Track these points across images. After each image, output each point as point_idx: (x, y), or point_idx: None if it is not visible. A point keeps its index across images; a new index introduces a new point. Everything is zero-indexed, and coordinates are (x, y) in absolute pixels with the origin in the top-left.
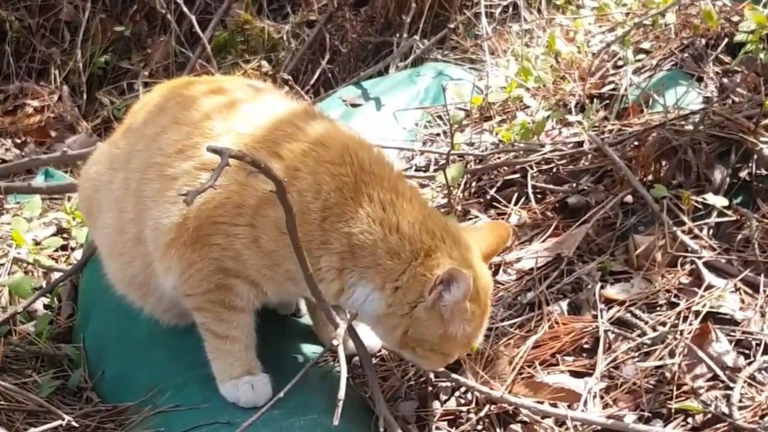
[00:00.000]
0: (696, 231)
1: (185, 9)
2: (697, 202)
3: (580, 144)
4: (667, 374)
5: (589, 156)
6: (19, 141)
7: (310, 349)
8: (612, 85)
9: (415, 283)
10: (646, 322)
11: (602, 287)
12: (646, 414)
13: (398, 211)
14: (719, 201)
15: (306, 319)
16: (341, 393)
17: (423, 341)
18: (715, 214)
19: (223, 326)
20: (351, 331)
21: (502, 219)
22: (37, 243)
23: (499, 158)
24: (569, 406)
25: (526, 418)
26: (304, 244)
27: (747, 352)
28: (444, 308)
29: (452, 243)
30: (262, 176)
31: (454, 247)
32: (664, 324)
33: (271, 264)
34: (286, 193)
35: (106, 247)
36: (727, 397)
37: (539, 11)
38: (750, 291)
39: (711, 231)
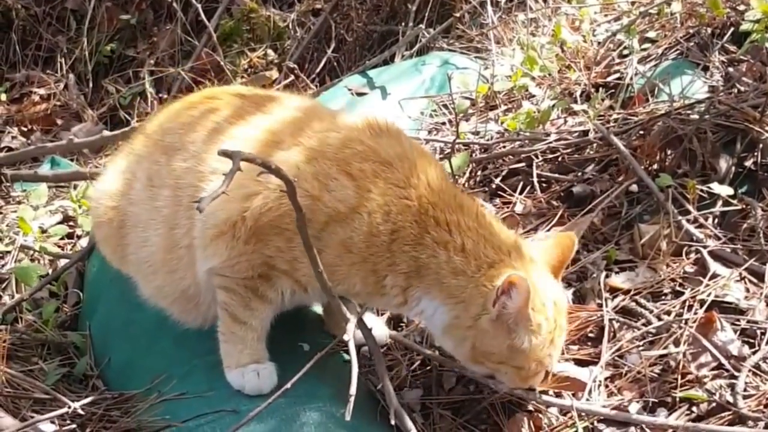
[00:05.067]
0: (701, 220)
1: None
2: (702, 191)
3: (586, 133)
4: (672, 363)
5: (594, 145)
6: (25, 129)
7: (317, 338)
8: (617, 74)
9: (477, 295)
10: (651, 311)
11: (607, 276)
12: (651, 403)
13: (463, 231)
14: (724, 190)
15: (314, 307)
16: (353, 389)
17: (490, 354)
18: (720, 203)
19: (246, 312)
20: (360, 323)
21: (507, 207)
22: (43, 231)
23: (504, 147)
24: (574, 395)
25: (530, 407)
26: (371, 264)
27: (752, 341)
28: (508, 316)
29: (516, 256)
30: (336, 196)
31: (518, 259)
32: (668, 313)
33: (329, 278)
34: (296, 194)
35: (150, 264)
36: (732, 386)
37: (545, 0)
38: (755, 280)
39: (716, 220)
